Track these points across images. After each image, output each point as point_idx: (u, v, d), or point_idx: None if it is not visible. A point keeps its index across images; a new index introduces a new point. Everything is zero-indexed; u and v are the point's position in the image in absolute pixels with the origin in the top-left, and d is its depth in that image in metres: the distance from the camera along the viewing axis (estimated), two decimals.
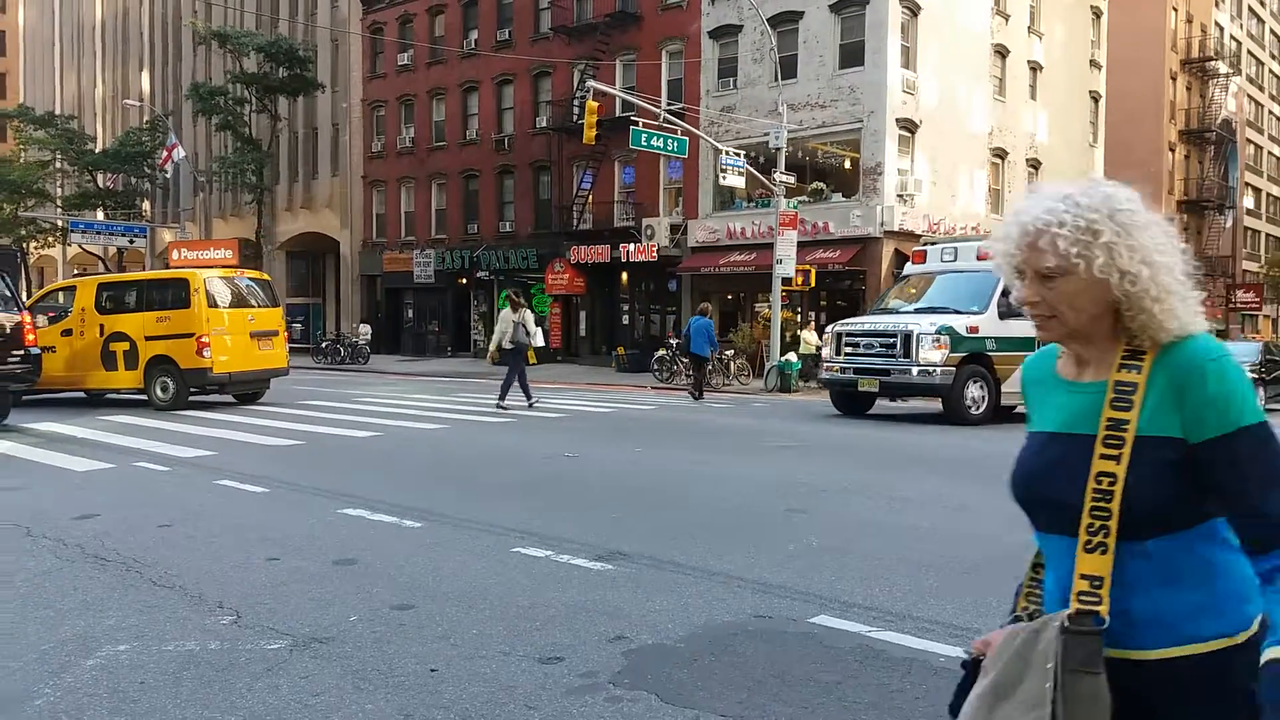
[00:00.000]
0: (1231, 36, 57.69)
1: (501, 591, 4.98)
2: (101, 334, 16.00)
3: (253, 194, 41.11)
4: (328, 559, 5.66)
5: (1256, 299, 53.71)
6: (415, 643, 4.21)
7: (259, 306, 16.81)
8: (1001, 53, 32.71)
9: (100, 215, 47.34)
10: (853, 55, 28.68)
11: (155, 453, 10.29)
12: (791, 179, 25.07)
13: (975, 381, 14.28)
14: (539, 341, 19.02)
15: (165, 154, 39.15)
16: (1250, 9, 63.78)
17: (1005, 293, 13.98)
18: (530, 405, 16.12)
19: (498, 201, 39.36)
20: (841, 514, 7.24)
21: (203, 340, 15.36)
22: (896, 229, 27.86)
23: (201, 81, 44.12)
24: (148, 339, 15.67)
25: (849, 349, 15.27)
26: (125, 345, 15.78)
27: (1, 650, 4.11)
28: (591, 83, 26.61)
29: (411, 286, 41.55)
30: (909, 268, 17.22)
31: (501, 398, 16.22)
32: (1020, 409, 10.64)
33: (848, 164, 29.02)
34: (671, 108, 29.17)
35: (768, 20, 27.28)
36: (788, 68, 28.28)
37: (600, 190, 34.59)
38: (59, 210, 48.85)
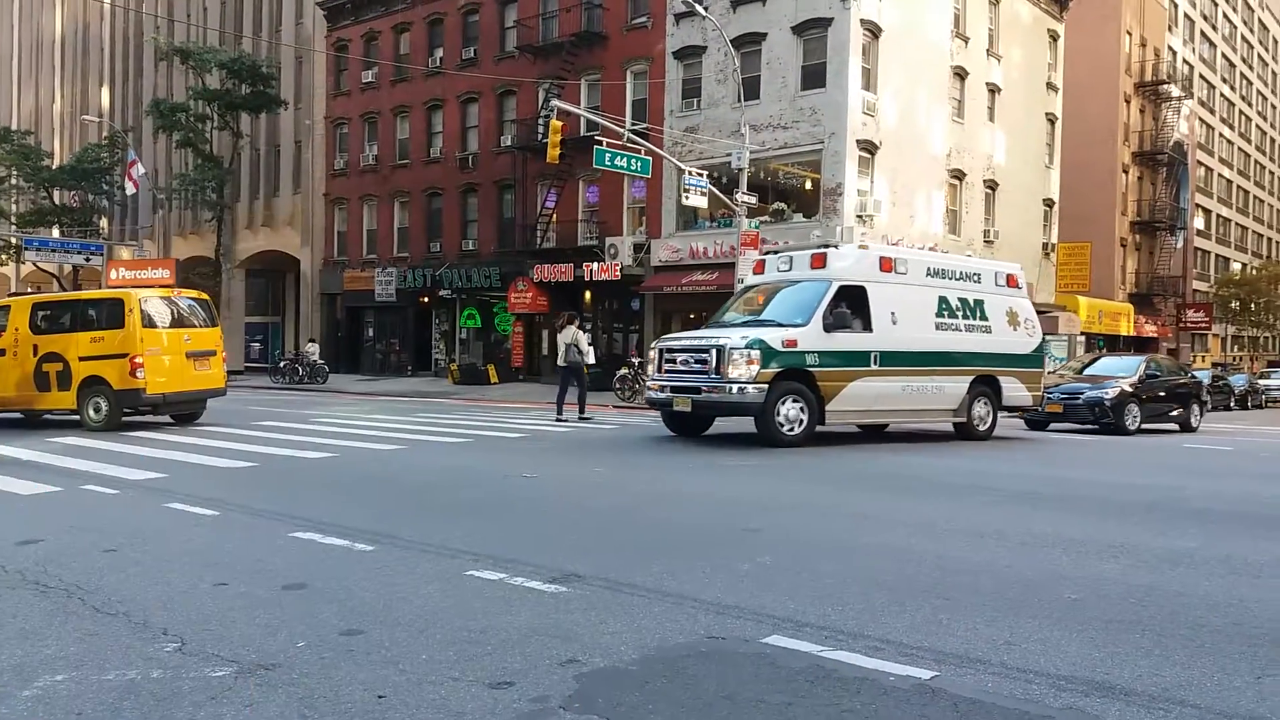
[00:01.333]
0: (1184, 60, 59.10)
1: (453, 615, 4.93)
2: (35, 354, 15.83)
3: (213, 211, 40.74)
4: (277, 584, 5.57)
5: (1206, 318, 54.90)
6: (364, 669, 4.14)
7: (197, 326, 16.71)
8: (961, 75, 33.25)
9: (56, 233, 46.63)
10: (815, 77, 29.04)
11: (104, 475, 10.10)
12: (753, 199, 25.29)
13: (791, 400, 13.30)
14: (591, 360, 19.71)
15: (128, 172, 38.71)
16: (1202, 33, 65.41)
17: (836, 303, 13.81)
18: (558, 420, 17.67)
19: (461, 220, 39.27)
20: (797, 533, 7.25)
21: (136, 360, 15.27)
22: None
23: (162, 98, 43.75)
24: (81, 359, 15.56)
25: (668, 366, 14.20)
26: (59, 366, 15.66)
27: None
28: (556, 102, 26.71)
29: (372, 305, 41.32)
30: (750, 278, 16.44)
31: (559, 412, 18.11)
32: (851, 428, 10.76)
33: (809, 184, 29.31)
34: (635, 127, 29.30)
35: (731, 41, 27.55)
36: (750, 89, 28.56)
37: (564, 209, 34.64)
38: (13, 227, 48.03)
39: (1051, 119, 39.72)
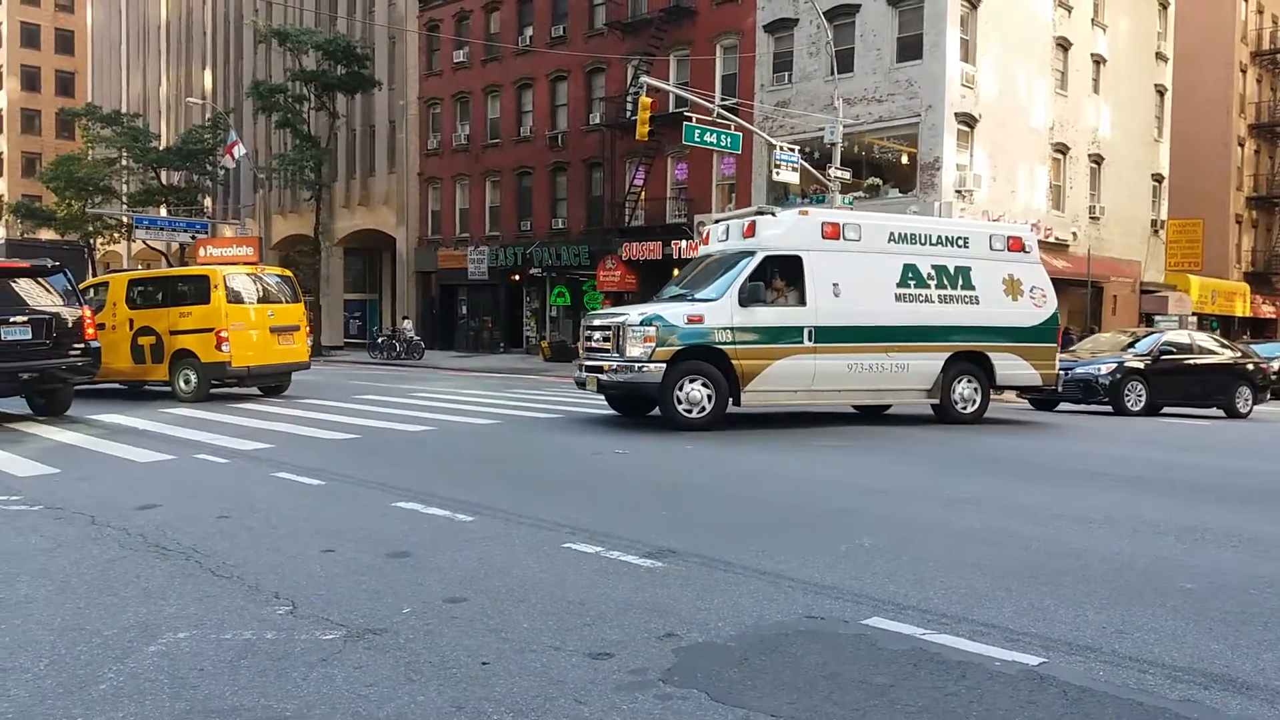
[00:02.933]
0: None
1: (552, 586, 5.00)
2: (131, 328, 16.62)
3: (311, 191, 41.80)
4: (381, 551, 5.72)
5: None
6: (467, 635, 4.23)
7: (282, 302, 17.27)
8: (1064, 45, 32.07)
9: (164, 212, 48.46)
10: (910, 48, 28.35)
11: (215, 445, 10.50)
12: (847, 174, 24.86)
13: (695, 380, 12.32)
14: None
15: (226, 150, 39.98)
16: None
17: (758, 275, 12.72)
18: None
19: (551, 198, 39.56)
20: (893, 515, 7.14)
21: (221, 335, 15.89)
22: None
23: (261, 79, 44.96)
24: (172, 333, 16.28)
25: (587, 344, 13.47)
26: (152, 339, 16.43)
27: (68, 635, 4.21)
28: (645, 78, 26.60)
29: (465, 283, 41.99)
30: (702, 248, 15.17)
31: None
32: (774, 409, 10.18)
33: (905, 159, 28.68)
34: (725, 103, 29.02)
35: (824, 13, 27.05)
36: (844, 61, 28.05)
37: (653, 187, 34.59)
38: (124, 207, 50.09)
39: (1161, 90, 38.06)
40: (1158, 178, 38.07)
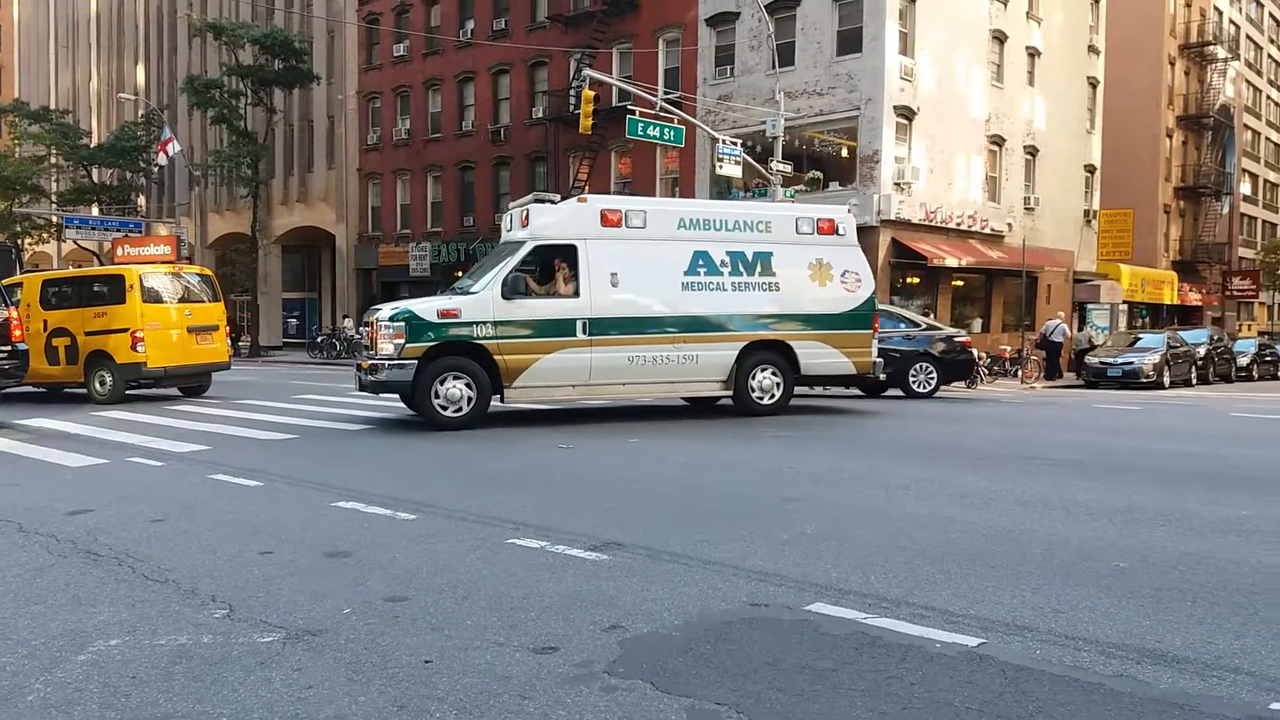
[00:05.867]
0: (1230, 21, 57.49)
1: (496, 583, 4.96)
2: (46, 330, 16.31)
3: (248, 188, 41.03)
4: (321, 552, 5.63)
5: (1253, 286, 53.71)
6: (409, 634, 4.18)
7: (203, 302, 17.06)
8: (1000, 38, 32.61)
9: (95, 211, 47.23)
10: (850, 42, 28.60)
11: (149, 448, 10.26)
12: (788, 168, 25.03)
13: (453, 377, 11.88)
14: None
15: (160, 146, 39.07)
16: None
17: (524, 266, 12.38)
18: None
19: (494, 193, 39.26)
20: (836, 502, 7.21)
21: (137, 335, 15.71)
22: (894, 218, 27.83)
23: (197, 75, 44.01)
24: (87, 334, 16.06)
25: (365, 340, 13.02)
26: (67, 340, 16.21)
27: None
28: (588, 71, 26.54)
29: (407, 280, 41.49)
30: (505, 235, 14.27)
31: None
32: (542, 405, 10.03)
33: (845, 152, 28.95)
34: (668, 96, 29.05)
35: (765, 7, 27.18)
36: (785, 55, 28.21)
37: (597, 181, 34.50)
38: (54, 206, 48.72)
39: (1093, 83, 38.88)
40: (1090, 169, 38.91)
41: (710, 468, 9.10)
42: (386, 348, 11.75)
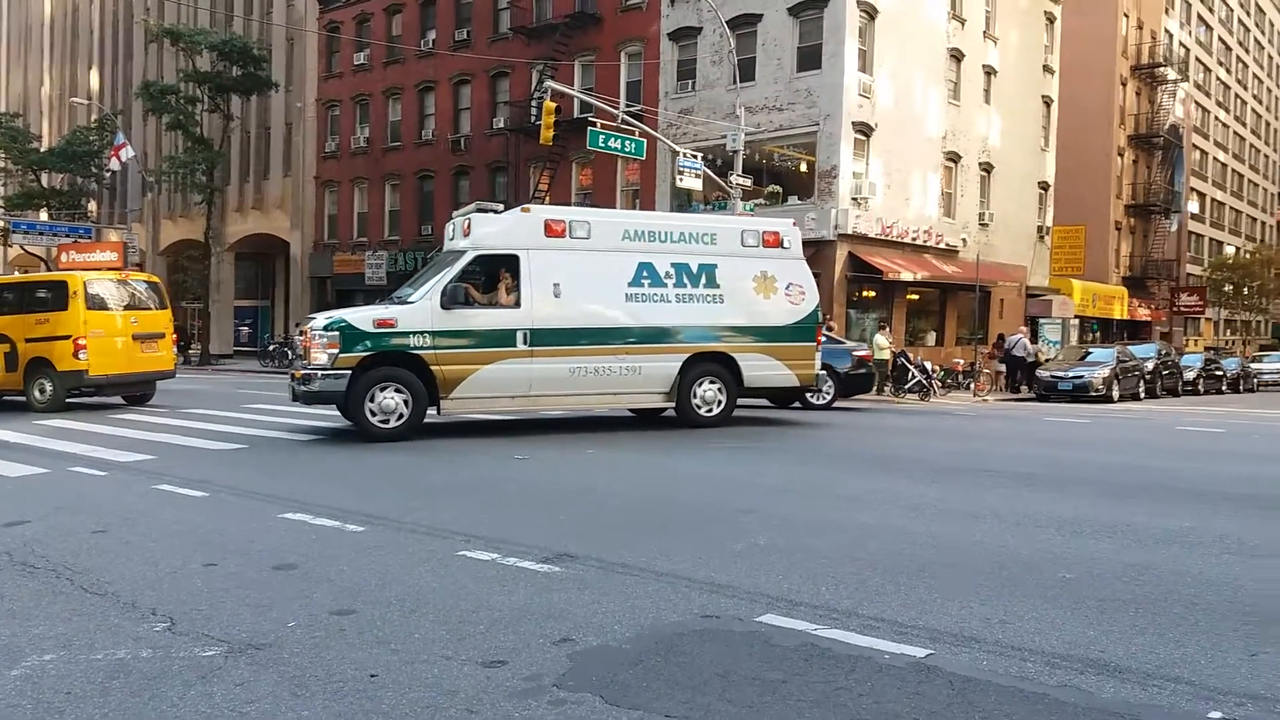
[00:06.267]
0: (1180, 44, 58.91)
1: (445, 595, 4.90)
2: None
3: (203, 194, 40.44)
4: (267, 564, 5.54)
5: (1200, 302, 54.89)
6: (355, 648, 4.11)
7: (149, 309, 16.83)
8: (957, 57, 33.10)
9: (44, 215, 46.28)
10: (810, 59, 28.87)
11: (93, 457, 10.05)
12: (748, 182, 25.16)
13: (388, 388, 11.66)
14: None
15: (113, 152, 38.40)
16: (1199, 16, 65.18)
17: (464, 276, 12.19)
18: None
19: (453, 202, 38.94)
20: (789, 513, 7.23)
21: (79, 342, 15.46)
22: (851, 232, 28.08)
23: (152, 80, 43.31)
24: (28, 341, 15.79)
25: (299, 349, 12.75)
26: (6, 347, 15.91)
27: None
28: (550, 83, 26.51)
29: (363, 288, 40.99)
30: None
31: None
32: (480, 416, 9.90)
33: (804, 167, 29.18)
34: (630, 109, 29.14)
35: (727, 22, 27.36)
36: (746, 70, 28.39)
37: (557, 192, 34.47)
38: (1, 210, 47.69)
39: (1048, 101, 39.59)
40: (1044, 186, 39.58)
41: (665, 479, 9.09)
42: (320, 357, 11.50)
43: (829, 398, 18.18)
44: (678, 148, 25.29)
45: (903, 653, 4.05)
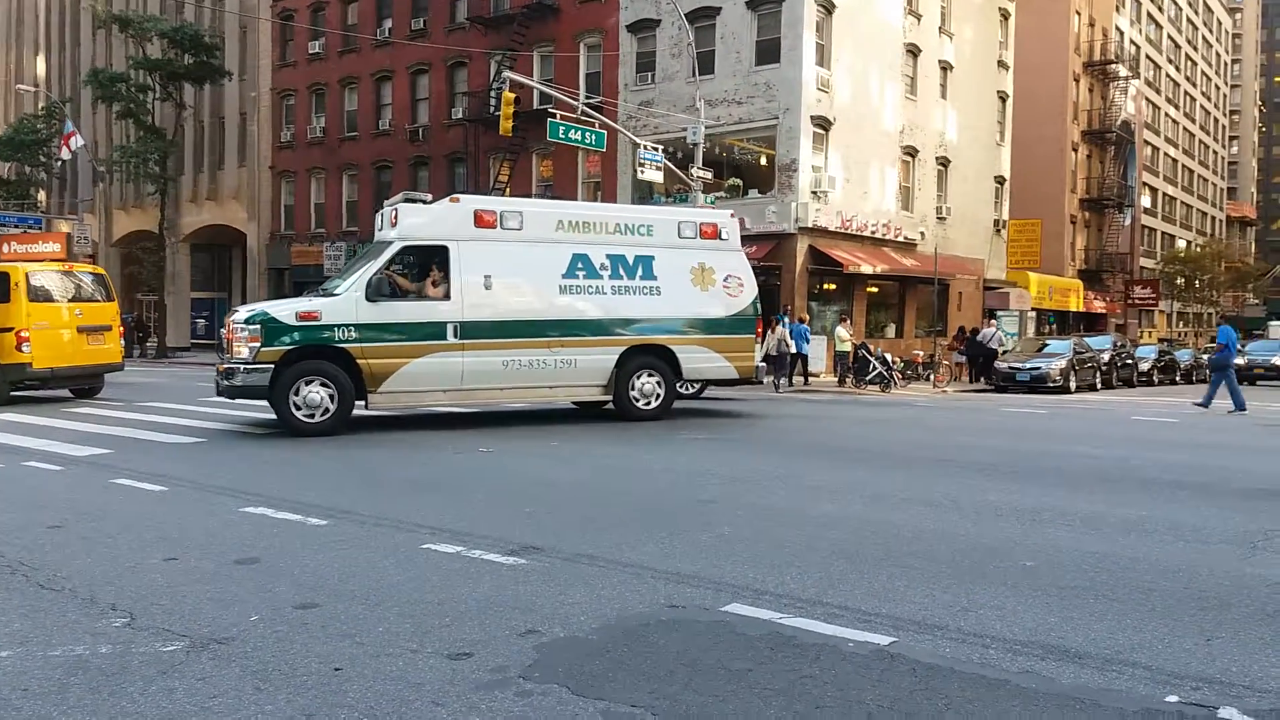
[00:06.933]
0: (1131, 41, 59.95)
1: (410, 588, 4.87)
2: None
3: (156, 185, 39.69)
4: (228, 558, 5.46)
5: (1153, 295, 55.99)
6: (319, 642, 4.08)
7: (95, 301, 16.57)
8: (913, 52, 33.38)
9: None
10: (769, 52, 28.96)
11: (46, 451, 9.85)
12: (709, 175, 25.21)
13: (313, 382, 11.44)
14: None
15: (63, 141, 37.58)
16: (1149, 15, 66.35)
17: (390, 267, 12.04)
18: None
19: None
20: (753, 503, 7.28)
21: (22, 335, 15.20)
22: (810, 225, 28.26)
23: (101, 67, 42.42)
24: None
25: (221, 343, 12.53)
26: None
27: None
28: (508, 74, 26.36)
29: (321, 280, 40.61)
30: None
31: None
32: (423, 409, 10.13)
33: (764, 160, 29.30)
34: (590, 101, 29.05)
35: (685, 15, 27.36)
36: (705, 63, 28.42)
37: (518, 183, 34.29)
38: None
39: (1003, 97, 40.09)
40: (1000, 180, 40.10)
41: (630, 470, 9.10)
42: (242, 351, 11.30)
43: (697, 388, 16.97)
44: (638, 140, 25.27)
45: (867, 641, 4.10)
